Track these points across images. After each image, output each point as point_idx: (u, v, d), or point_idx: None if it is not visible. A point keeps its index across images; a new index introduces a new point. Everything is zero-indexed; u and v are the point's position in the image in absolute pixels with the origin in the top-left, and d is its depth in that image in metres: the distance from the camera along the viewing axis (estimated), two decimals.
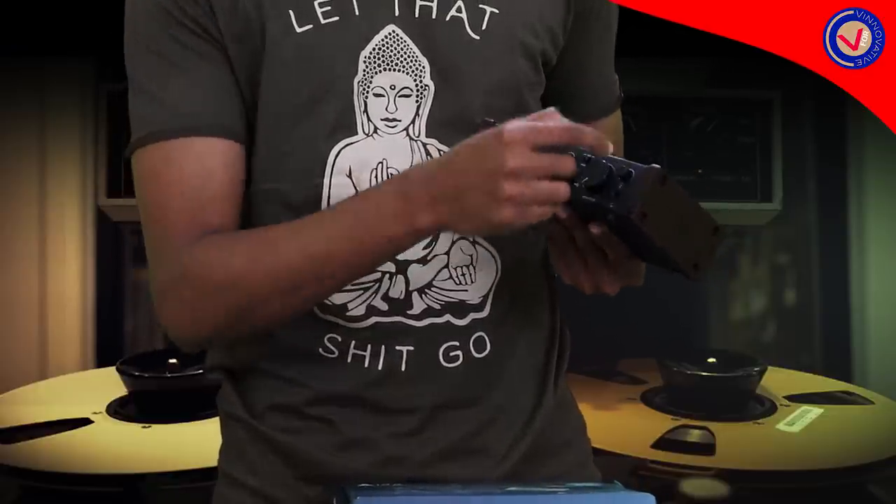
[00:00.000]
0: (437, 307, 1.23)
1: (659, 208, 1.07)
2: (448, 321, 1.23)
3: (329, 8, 1.20)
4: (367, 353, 1.22)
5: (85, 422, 2.29)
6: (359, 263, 1.15)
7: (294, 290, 1.16)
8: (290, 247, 1.15)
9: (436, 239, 1.22)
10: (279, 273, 1.15)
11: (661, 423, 2.32)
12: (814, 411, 2.38)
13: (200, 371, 2.32)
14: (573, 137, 1.08)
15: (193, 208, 1.18)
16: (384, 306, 1.22)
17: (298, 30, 1.19)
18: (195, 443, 2.16)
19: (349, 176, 1.21)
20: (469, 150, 1.09)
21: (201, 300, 1.17)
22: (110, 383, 2.40)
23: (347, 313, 1.22)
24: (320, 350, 1.23)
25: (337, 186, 1.20)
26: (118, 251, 2.92)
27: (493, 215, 1.08)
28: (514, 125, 1.08)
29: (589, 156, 1.09)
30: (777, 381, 2.52)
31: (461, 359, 1.24)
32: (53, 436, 2.23)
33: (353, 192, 1.20)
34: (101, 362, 2.76)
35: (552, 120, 1.09)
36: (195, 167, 1.18)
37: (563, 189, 1.08)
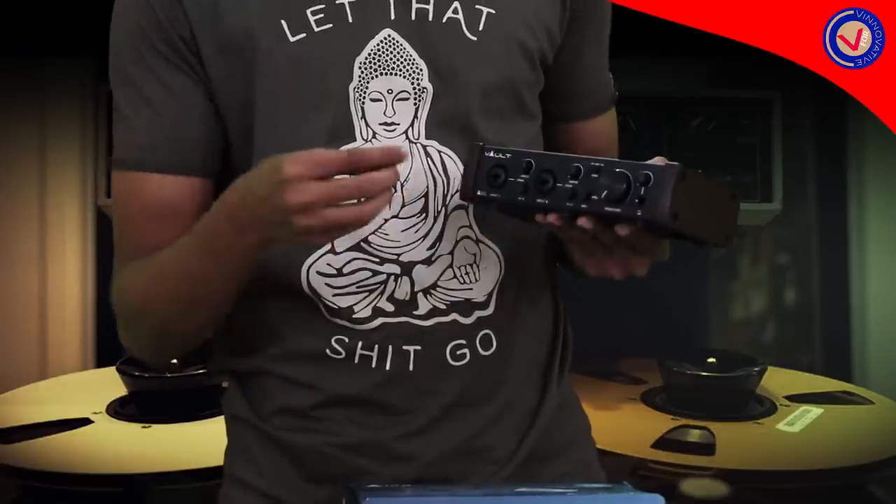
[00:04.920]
0: (443, 307, 1.23)
1: (685, 203, 1.07)
2: (454, 320, 1.24)
3: (322, 15, 1.19)
4: (375, 354, 1.23)
5: (85, 422, 2.28)
6: (227, 273, 1.17)
7: (191, 308, 1.20)
8: (171, 269, 1.19)
9: (440, 239, 1.23)
10: (171, 295, 1.20)
11: (661, 423, 2.31)
12: (814, 411, 2.38)
13: (201, 371, 2.31)
14: (355, 160, 1.08)
15: (137, 241, 1.23)
16: (390, 307, 1.22)
17: (292, 39, 1.19)
18: (195, 443, 2.16)
19: None
20: (253, 188, 1.10)
21: (129, 323, 1.25)
22: (110, 383, 2.39)
23: (354, 315, 1.22)
24: (327, 352, 1.23)
25: None
26: None
27: (303, 240, 1.10)
28: (292, 158, 1.07)
29: (597, 164, 1.10)
30: (777, 381, 2.51)
31: (468, 357, 1.24)
32: (53, 436, 2.23)
33: None
34: (101, 362, 2.75)
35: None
36: (148, 202, 1.22)
37: (365, 211, 1.07)
